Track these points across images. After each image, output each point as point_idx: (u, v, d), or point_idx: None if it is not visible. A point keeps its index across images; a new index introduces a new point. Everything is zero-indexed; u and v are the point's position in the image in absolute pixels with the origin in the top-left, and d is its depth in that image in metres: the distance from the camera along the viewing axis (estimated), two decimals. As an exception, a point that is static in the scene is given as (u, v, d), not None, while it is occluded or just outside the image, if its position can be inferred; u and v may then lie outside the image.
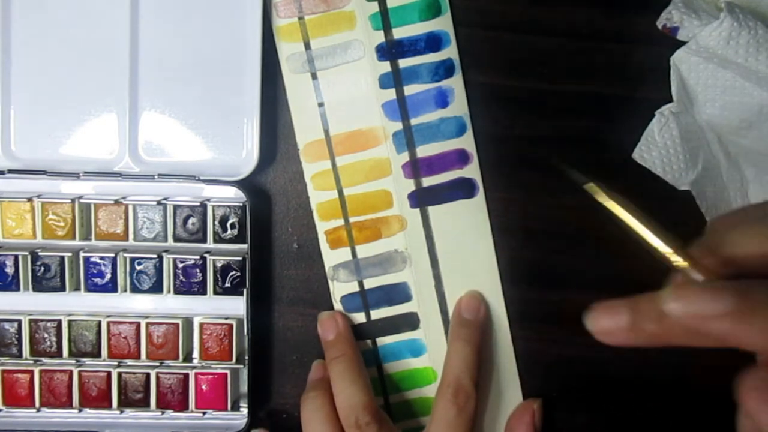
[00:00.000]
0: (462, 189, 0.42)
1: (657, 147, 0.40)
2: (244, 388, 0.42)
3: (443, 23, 0.41)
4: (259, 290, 0.42)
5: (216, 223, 0.41)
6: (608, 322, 0.24)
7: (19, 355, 0.41)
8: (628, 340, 0.23)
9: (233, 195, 0.41)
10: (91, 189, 0.41)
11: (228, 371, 0.41)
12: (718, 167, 0.41)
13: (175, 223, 0.41)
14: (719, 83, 0.40)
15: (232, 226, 0.41)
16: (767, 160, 0.41)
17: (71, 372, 0.41)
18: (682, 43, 0.40)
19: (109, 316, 0.41)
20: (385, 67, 0.41)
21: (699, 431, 0.43)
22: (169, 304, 0.42)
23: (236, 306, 0.41)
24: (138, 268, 0.41)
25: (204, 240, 0.41)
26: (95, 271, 0.41)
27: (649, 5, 0.41)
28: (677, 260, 0.22)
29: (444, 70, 0.41)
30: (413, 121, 0.42)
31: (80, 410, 0.42)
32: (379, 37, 0.41)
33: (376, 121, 0.42)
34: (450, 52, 0.41)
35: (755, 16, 0.38)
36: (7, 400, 0.41)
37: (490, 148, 0.42)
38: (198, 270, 0.41)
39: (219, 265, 0.41)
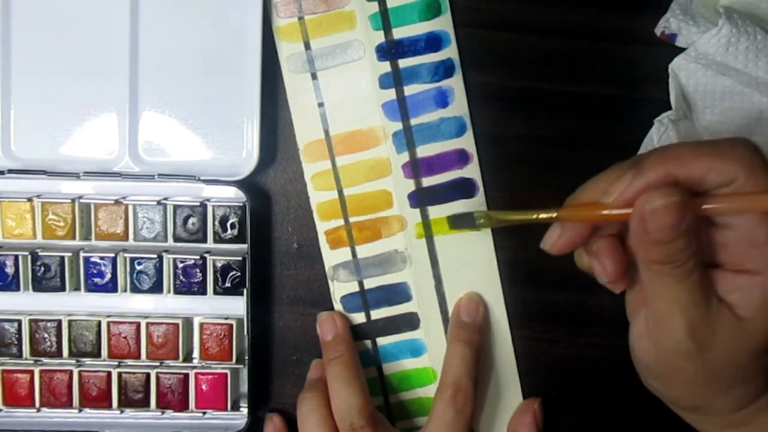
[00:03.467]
0: (462, 189, 0.42)
1: (656, 155, 0.40)
2: (244, 388, 0.42)
3: (443, 23, 0.41)
4: (259, 290, 0.42)
5: (216, 223, 0.41)
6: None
7: (19, 355, 0.41)
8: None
9: (233, 195, 0.41)
10: (91, 189, 0.41)
11: (228, 371, 0.41)
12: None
13: (175, 223, 0.41)
14: (718, 90, 0.40)
15: (232, 226, 0.41)
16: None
17: (71, 372, 0.41)
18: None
19: (109, 316, 0.41)
20: (385, 67, 0.41)
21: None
22: (169, 304, 0.42)
23: (236, 306, 0.41)
24: (138, 268, 0.41)
25: (204, 240, 0.41)
26: (95, 271, 0.41)
27: (649, 6, 0.41)
28: (551, 215, 0.34)
29: (444, 70, 0.41)
30: (413, 121, 0.42)
31: (80, 410, 0.42)
32: (379, 37, 0.41)
33: (376, 121, 0.42)
34: (450, 52, 0.41)
35: (753, 22, 0.38)
36: (7, 400, 0.41)
37: (490, 148, 0.42)
38: (198, 270, 0.41)
39: (219, 265, 0.41)
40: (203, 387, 0.41)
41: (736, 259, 0.30)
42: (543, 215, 0.34)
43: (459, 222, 0.41)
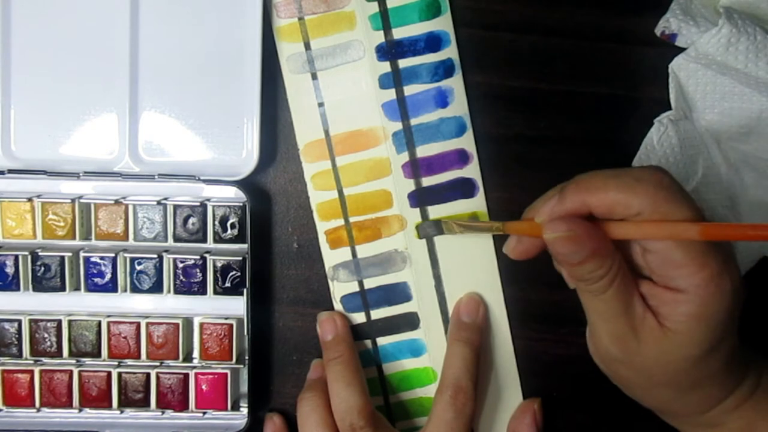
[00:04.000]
0: (462, 189, 0.42)
1: (656, 156, 0.40)
2: (244, 388, 0.42)
3: (443, 23, 0.41)
4: (259, 290, 0.42)
5: (216, 223, 0.41)
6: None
7: (19, 355, 0.41)
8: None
9: (233, 195, 0.41)
10: (91, 189, 0.41)
11: (228, 371, 0.41)
12: (719, 174, 0.41)
13: (175, 223, 0.41)
14: (718, 89, 0.40)
15: (232, 226, 0.41)
16: (767, 165, 0.41)
17: (71, 372, 0.41)
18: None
19: (109, 316, 0.41)
20: (385, 67, 0.41)
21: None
22: (169, 304, 0.42)
23: (236, 306, 0.41)
24: (138, 268, 0.41)
25: (204, 240, 0.41)
26: (95, 271, 0.41)
27: (649, 6, 0.41)
28: (499, 227, 0.38)
29: (444, 70, 0.41)
30: (413, 121, 0.42)
31: (80, 410, 0.42)
32: (379, 37, 0.41)
33: (376, 121, 0.42)
34: (450, 52, 0.41)
35: (753, 22, 0.38)
36: (7, 400, 0.41)
37: (490, 148, 0.42)
38: (198, 270, 0.41)
39: (219, 265, 0.41)
40: (203, 387, 0.41)
41: (661, 278, 0.32)
42: (494, 227, 0.38)
43: (426, 230, 0.42)
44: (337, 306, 0.43)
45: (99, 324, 0.41)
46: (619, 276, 0.32)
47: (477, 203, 0.42)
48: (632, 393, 0.36)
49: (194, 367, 0.41)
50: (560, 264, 0.34)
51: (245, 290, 0.40)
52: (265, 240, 0.43)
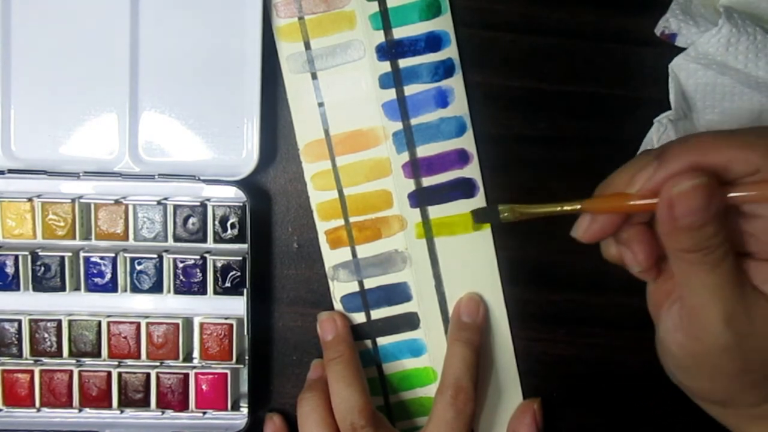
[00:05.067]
0: (462, 189, 0.42)
1: (656, 156, 0.40)
2: (244, 388, 0.42)
3: (443, 23, 0.41)
4: (259, 290, 0.42)
5: (216, 223, 0.41)
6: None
7: (19, 355, 0.41)
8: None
9: (233, 195, 0.41)
10: (91, 189, 0.41)
11: (228, 371, 0.41)
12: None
13: (175, 223, 0.41)
14: (718, 89, 0.40)
15: (232, 226, 0.41)
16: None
17: (71, 372, 0.41)
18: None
19: (109, 316, 0.41)
20: (385, 67, 0.41)
21: (699, 430, 0.43)
22: (169, 304, 0.42)
23: (236, 306, 0.41)
24: (138, 268, 0.41)
25: (204, 240, 0.41)
26: (95, 271, 0.41)
27: (649, 6, 0.41)
28: (575, 206, 0.33)
29: (444, 70, 0.41)
30: (413, 121, 0.42)
31: (80, 410, 0.42)
32: (379, 37, 0.41)
33: (376, 121, 0.42)
34: (450, 52, 0.41)
35: (753, 22, 0.38)
36: (7, 400, 0.41)
37: (490, 148, 0.42)
38: (198, 270, 0.41)
39: (219, 265, 0.41)
40: (203, 387, 0.41)
41: (766, 248, 0.30)
42: (567, 207, 0.33)
43: (482, 216, 0.40)
44: (337, 306, 0.43)
45: (99, 324, 0.41)
46: (730, 246, 0.29)
47: (477, 203, 0.42)
48: (705, 385, 0.32)
49: (194, 367, 0.41)
50: (674, 232, 0.29)
51: (245, 290, 0.40)
52: (265, 240, 0.43)
